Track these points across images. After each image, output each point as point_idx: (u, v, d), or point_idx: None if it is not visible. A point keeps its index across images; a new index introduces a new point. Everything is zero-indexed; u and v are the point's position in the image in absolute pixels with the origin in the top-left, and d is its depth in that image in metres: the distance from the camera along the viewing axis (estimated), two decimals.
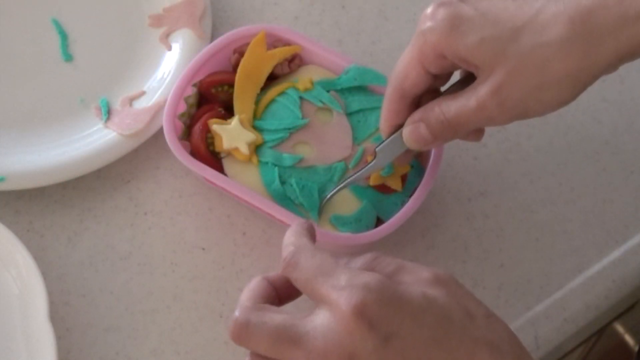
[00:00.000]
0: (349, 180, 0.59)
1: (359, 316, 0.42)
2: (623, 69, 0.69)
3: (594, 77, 0.49)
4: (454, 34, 0.50)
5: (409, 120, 0.54)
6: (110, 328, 0.60)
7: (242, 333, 0.44)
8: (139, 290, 0.61)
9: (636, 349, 0.81)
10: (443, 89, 0.56)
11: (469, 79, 0.52)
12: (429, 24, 0.51)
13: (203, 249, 0.63)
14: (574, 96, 0.50)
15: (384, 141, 0.57)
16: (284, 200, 0.60)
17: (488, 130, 0.67)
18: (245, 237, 0.63)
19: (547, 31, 0.48)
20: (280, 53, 0.64)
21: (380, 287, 0.43)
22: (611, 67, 0.49)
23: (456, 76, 0.55)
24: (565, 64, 0.48)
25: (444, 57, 0.51)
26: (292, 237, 0.48)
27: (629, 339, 0.81)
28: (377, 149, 0.57)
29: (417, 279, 0.45)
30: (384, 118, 0.56)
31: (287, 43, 0.64)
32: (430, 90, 0.55)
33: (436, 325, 0.43)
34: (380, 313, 0.42)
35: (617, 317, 0.77)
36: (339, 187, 0.59)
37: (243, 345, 0.45)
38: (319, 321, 0.43)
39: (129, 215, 0.64)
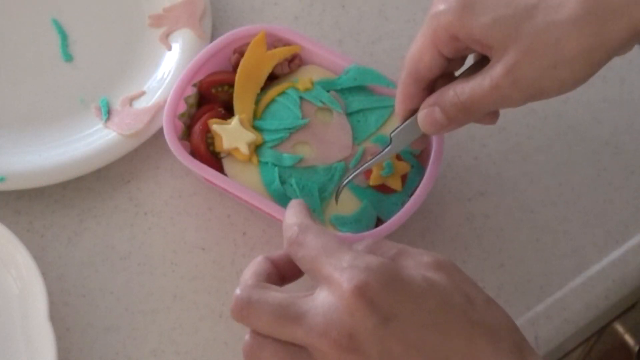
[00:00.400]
0: (364, 166, 0.58)
1: (359, 296, 0.42)
2: (623, 69, 0.70)
3: (609, 56, 0.49)
4: (467, 15, 0.50)
5: (424, 104, 0.54)
6: (110, 328, 0.60)
7: (243, 310, 0.45)
8: (139, 290, 0.61)
9: (636, 349, 0.81)
10: (457, 73, 0.55)
11: (482, 63, 0.52)
12: (441, 6, 0.51)
13: (203, 249, 0.63)
14: (588, 75, 0.50)
15: (399, 126, 0.56)
16: (284, 200, 0.60)
17: (488, 130, 0.67)
18: (245, 237, 0.63)
19: (561, 9, 0.48)
20: (280, 53, 0.64)
21: (382, 269, 0.43)
22: (626, 45, 0.49)
23: (470, 61, 0.55)
24: (578, 42, 0.48)
25: (458, 39, 0.51)
26: (294, 217, 0.48)
27: (629, 339, 0.81)
28: (392, 135, 0.57)
29: (418, 263, 0.46)
30: (399, 101, 0.56)
31: (287, 43, 0.64)
32: (444, 75, 0.55)
33: (436, 309, 0.44)
34: (381, 294, 0.43)
35: (617, 317, 0.77)
36: (354, 174, 0.59)
37: (243, 322, 0.46)
38: (320, 300, 0.44)
39: (129, 215, 0.64)
